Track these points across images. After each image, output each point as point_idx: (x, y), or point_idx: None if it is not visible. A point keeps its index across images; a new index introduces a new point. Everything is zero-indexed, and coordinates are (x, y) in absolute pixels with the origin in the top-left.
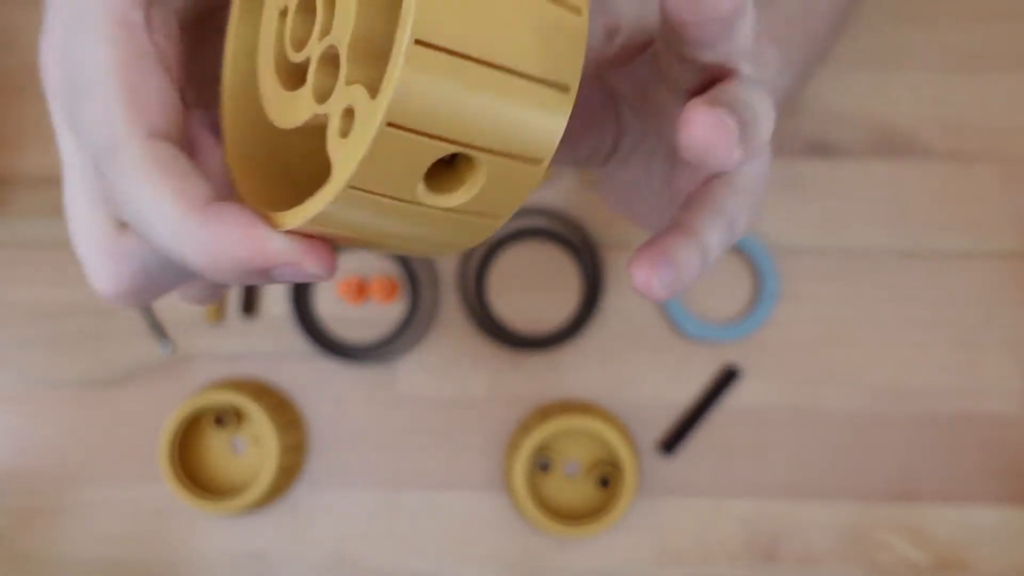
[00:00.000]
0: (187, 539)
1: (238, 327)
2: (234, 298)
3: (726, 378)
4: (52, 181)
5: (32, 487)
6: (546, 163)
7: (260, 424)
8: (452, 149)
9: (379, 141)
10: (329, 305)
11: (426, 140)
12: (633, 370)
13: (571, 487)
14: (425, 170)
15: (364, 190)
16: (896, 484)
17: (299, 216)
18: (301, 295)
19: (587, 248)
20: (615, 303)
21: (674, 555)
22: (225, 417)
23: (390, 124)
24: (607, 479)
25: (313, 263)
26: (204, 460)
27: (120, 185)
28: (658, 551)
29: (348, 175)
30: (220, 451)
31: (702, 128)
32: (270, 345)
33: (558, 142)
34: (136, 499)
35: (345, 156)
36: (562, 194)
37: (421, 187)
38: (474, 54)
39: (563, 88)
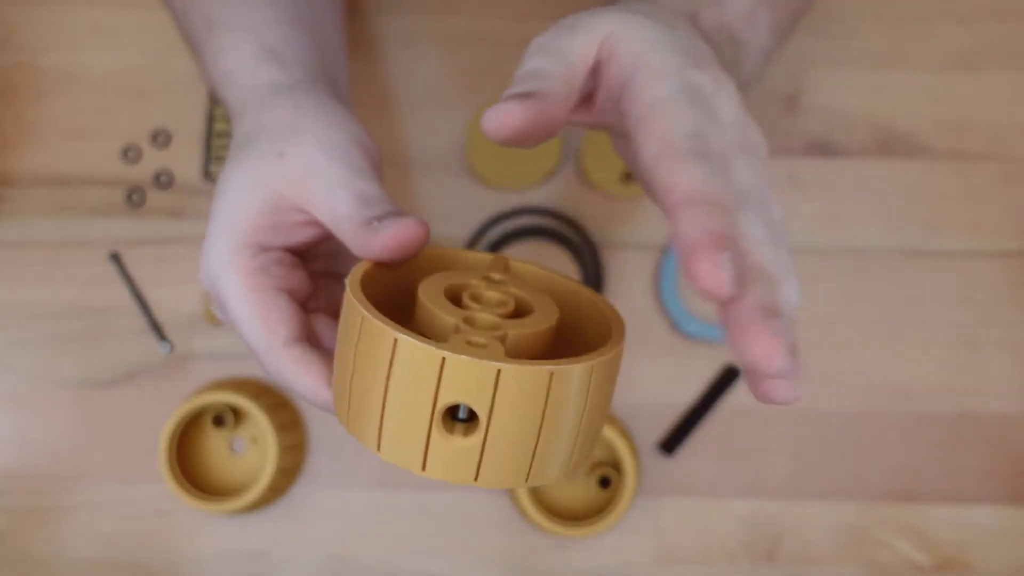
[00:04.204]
0: (187, 539)
1: None
2: None
3: (726, 378)
4: (52, 181)
5: (32, 487)
6: None
7: (259, 424)
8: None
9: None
10: None
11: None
12: (633, 370)
13: (571, 487)
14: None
15: None
16: (896, 484)
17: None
18: None
19: (587, 248)
20: (615, 303)
21: (674, 555)
22: (224, 417)
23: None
24: (607, 479)
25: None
26: (203, 460)
27: (278, 370)
28: (658, 551)
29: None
30: (219, 451)
31: (760, 355)
32: None
33: None
34: (136, 499)
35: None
36: (562, 194)
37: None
38: None
39: None
